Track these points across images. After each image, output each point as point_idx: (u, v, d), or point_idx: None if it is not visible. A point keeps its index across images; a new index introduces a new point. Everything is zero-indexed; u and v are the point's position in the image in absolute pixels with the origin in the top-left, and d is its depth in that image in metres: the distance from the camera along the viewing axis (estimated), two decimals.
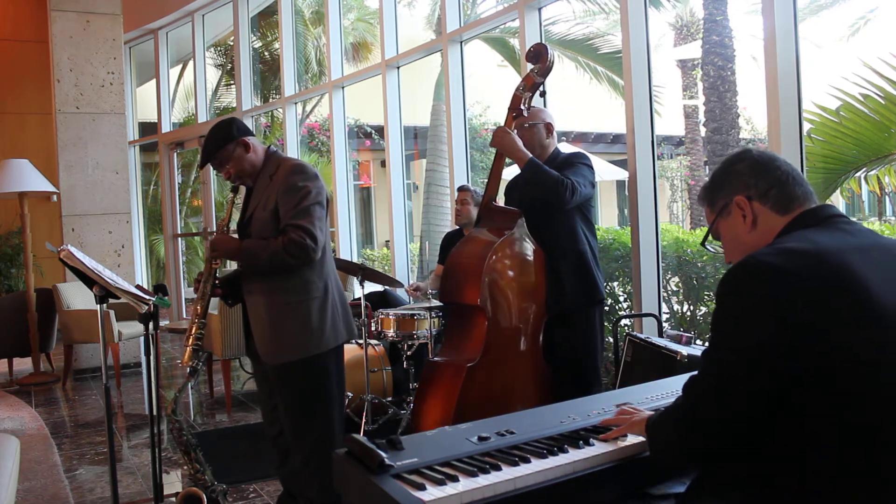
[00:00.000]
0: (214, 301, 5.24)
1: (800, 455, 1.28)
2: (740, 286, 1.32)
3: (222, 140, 2.61)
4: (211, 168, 2.90)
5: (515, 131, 3.18)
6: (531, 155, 3.11)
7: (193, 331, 2.59)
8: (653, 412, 1.56)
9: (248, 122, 8.07)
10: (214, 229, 8.20)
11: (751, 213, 1.48)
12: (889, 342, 1.26)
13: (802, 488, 1.28)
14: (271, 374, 2.67)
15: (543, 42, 3.36)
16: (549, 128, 3.30)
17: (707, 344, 1.39)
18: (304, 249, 2.45)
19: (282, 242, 2.46)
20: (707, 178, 1.60)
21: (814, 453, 1.27)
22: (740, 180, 1.50)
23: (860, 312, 1.26)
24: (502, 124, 3.19)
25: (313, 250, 2.47)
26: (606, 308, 4.72)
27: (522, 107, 3.15)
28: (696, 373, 1.40)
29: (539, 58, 3.14)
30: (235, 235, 2.76)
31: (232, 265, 2.93)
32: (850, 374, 1.25)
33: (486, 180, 3.28)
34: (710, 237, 1.60)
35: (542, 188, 3.08)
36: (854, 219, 1.48)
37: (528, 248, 3.15)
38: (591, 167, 3.21)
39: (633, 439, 1.60)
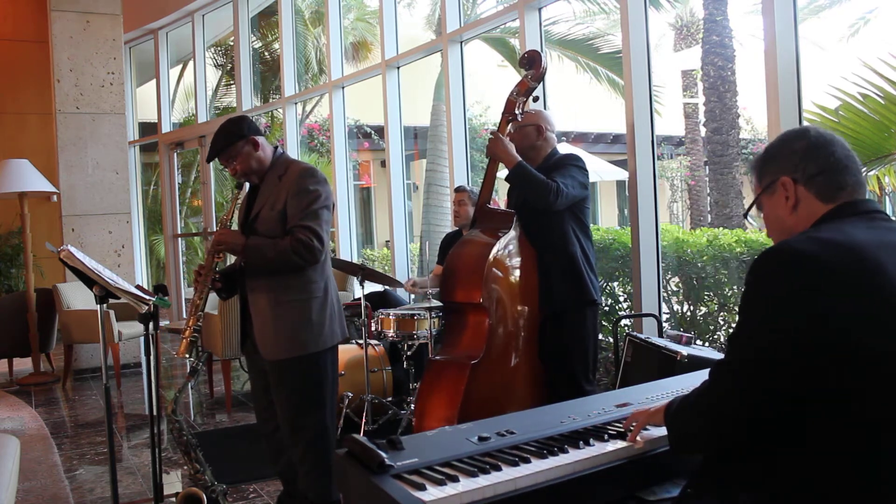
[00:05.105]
0: (214, 301, 5.27)
1: (806, 449, 1.28)
2: (771, 273, 1.31)
3: (233, 136, 2.64)
4: (211, 168, 2.93)
5: (510, 135, 3.21)
6: (520, 159, 3.12)
7: (191, 323, 2.61)
8: (671, 401, 1.54)
9: None
10: (215, 228, 8.19)
11: (793, 197, 1.45)
12: None
13: (807, 484, 1.28)
14: (269, 371, 2.69)
15: (538, 49, 3.39)
16: (539, 130, 3.27)
17: (734, 328, 1.38)
18: (311, 250, 2.53)
19: (290, 242, 2.53)
20: (758, 155, 1.56)
21: (821, 448, 1.27)
22: (790, 160, 1.46)
23: (887, 309, 1.26)
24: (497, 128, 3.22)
25: (319, 251, 2.56)
26: (606, 308, 4.72)
27: (517, 111, 3.19)
28: (721, 358, 1.39)
29: (533, 64, 3.20)
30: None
31: (230, 259, 2.93)
32: (869, 370, 1.24)
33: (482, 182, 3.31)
34: (753, 208, 1.57)
35: (528, 192, 3.10)
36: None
37: (524, 249, 3.17)
38: (582, 168, 3.19)
39: None
